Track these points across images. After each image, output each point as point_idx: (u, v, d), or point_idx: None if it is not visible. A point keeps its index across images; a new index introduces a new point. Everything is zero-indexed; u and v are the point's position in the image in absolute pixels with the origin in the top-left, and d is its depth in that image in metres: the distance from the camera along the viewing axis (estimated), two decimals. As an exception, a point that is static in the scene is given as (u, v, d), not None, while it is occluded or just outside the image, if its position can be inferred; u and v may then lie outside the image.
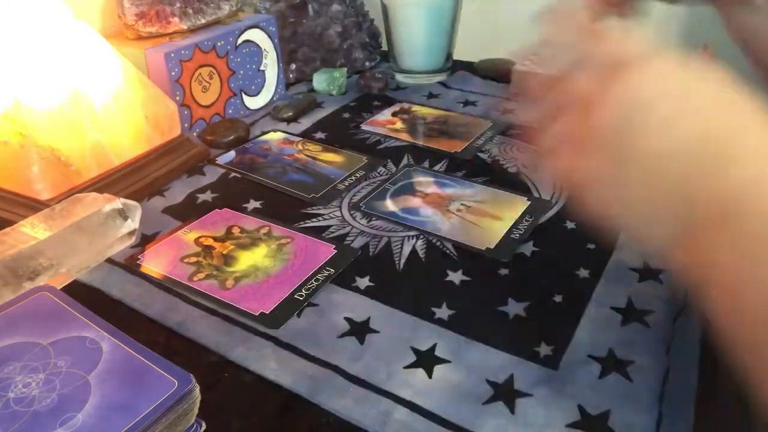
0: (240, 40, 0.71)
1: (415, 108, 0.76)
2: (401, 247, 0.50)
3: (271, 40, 0.76)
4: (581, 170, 0.30)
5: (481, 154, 0.65)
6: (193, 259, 0.48)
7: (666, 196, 0.27)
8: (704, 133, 0.26)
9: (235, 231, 0.52)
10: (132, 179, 0.57)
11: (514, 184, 0.58)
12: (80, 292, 0.44)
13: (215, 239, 0.51)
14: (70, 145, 0.53)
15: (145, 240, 0.51)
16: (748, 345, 0.23)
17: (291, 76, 0.84)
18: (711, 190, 0.25)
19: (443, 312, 0.43)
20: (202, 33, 0.69)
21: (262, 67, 0.75)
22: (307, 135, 0.70)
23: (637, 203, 0.28)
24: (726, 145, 0.25)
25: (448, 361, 0.39)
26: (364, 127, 0.72)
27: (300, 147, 0.67)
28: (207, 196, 0.58)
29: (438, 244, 0.50)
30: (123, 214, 0.49)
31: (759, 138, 0.25)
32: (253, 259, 0.48)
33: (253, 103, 0.76)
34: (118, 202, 0.49)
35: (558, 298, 0.44)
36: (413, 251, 0.49)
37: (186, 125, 0.67)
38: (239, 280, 0.46)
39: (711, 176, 0.25)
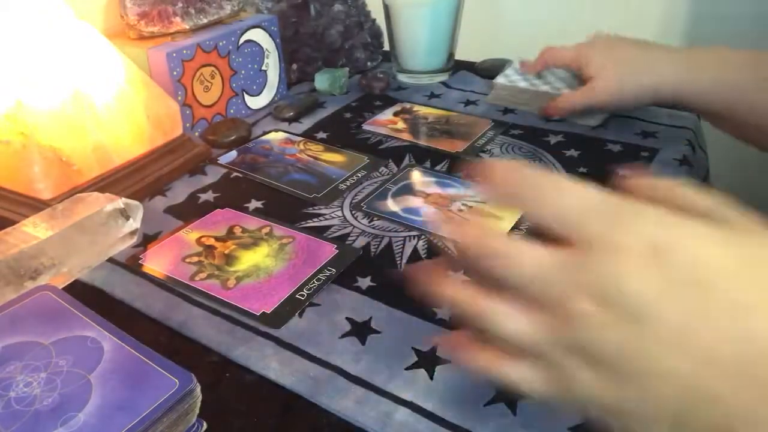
0: (242, 40, 0.71)
1: (416, 108, 0.76)
2: (403, 247, 0.49)
3: (273, 40, 0.76)
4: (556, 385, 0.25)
5: (482, 154, 0.65)
6: (195, 259, 0.48)
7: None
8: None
9: (237, 231, 0.52)
10: (133, 179, 0.57)
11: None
12: (82, 292, 0.44)
13: (217, 239, 0.51)
14: (71, 145, 0.53)
15: (146, 240, 0.51)
16: None
17: (293, 76, 0.84)
18: None
19: (445, 312, 0.42)
20: (204, 33, 0.69)
21: (263, 67, 0.75)
22: (308, 135, 0.70)
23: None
24: None
25: (450, 362, 0.38)
26: (365, 127, 0.72)
27: (301, 147, 0.67)
28: (208, 195, 0.58)
29: (439, 244, 0.50)
30: (125, 213, 0.49)
31: None
32: (254, 258, 0.48)
33: (255, 103, 0.76)
34: (120, 202, 0.49)
35: (559, 299, 0.43)
36: (415, 251, 0.49)
37: (188, 125, 0.67)
38: (241, 279, 0.46)
39: None
